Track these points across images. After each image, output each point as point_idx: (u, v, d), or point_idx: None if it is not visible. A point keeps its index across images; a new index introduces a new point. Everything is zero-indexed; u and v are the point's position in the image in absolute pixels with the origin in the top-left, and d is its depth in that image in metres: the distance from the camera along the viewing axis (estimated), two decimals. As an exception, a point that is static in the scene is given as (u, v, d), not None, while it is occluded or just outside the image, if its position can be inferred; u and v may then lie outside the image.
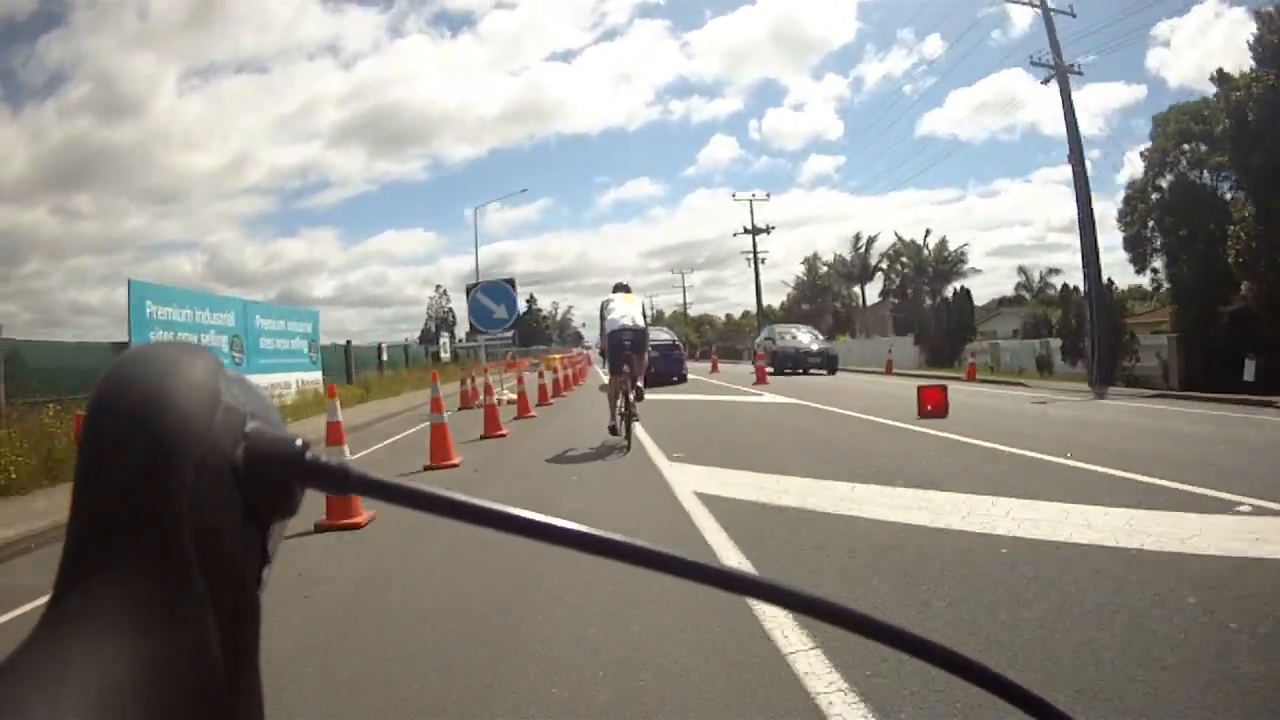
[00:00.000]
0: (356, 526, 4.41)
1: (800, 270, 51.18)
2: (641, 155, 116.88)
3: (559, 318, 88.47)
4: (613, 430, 7.17)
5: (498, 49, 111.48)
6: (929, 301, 38.94)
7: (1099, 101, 61.34)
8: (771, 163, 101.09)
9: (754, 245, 43.03)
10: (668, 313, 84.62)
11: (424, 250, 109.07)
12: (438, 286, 78.57)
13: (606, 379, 7.95)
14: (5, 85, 77.54)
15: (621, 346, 7.20)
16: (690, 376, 17.57)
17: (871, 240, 46.42)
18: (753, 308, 75.05)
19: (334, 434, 5.11)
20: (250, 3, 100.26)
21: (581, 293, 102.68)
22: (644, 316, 7.52)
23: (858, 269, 47.06)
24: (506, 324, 15.65)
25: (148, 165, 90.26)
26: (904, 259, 43.95)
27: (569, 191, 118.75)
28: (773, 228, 44.08)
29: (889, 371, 21.00)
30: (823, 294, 49.45)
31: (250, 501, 0.28)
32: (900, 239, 43.91)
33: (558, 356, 27.93)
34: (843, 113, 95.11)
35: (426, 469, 6.48)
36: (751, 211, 42.96)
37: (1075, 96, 16.35)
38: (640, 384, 7.27)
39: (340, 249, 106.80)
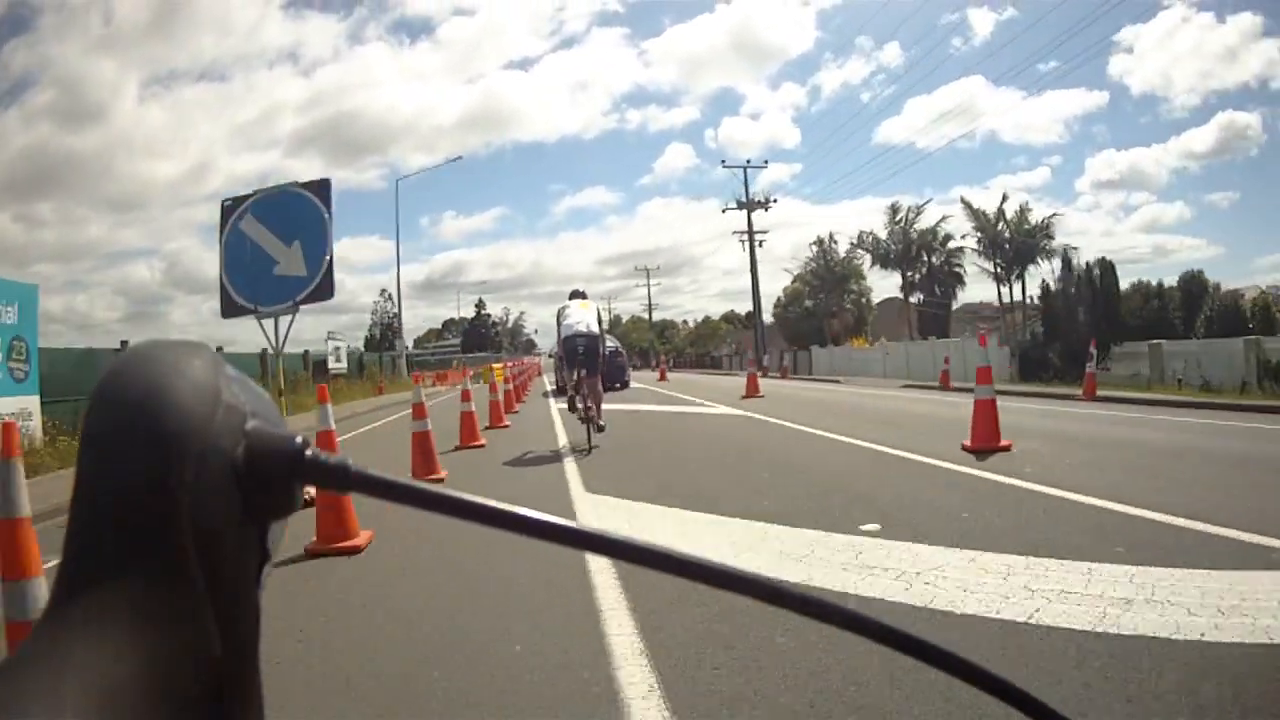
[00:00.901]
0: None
1: (809, 253, 41.60)
2: (598, 164, 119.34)
3: (510, 324, 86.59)
4: (571, 405, 7.82)
5: (455, 56, 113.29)
6: (1003, 288, 32.44)
7: (1063, 108, 61.89)
8: (728, 171, 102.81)
9: (749, 223, 35.86)
10: (625, 319, 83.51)
11: (380, 258, 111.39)
12: (382, 290, 76.71)
13: (552, 388, 9.13)
14: None
15: (575, 351, 7.46)
16: (647, 387, 17.93)
17: (917, 211, 36.39)
18: (716, 313, 74.60)
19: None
20: (212, 8, 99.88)
21: (536, 300, 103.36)
22: (599, 323, 7.70)
23: (897, 248, 36.27)
24: (305, 287, 6.14)
25: (109, 173, 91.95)
26: (964, 234, 34.00)
27: (524, 200, 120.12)
28: (774, 200, 37.74)
29: (946, 386, 15.31)
30: (839, 284, 39.86)
31: (250, 500, 0.28)
32: (968, 206, 33.24)
33: (498, 366, 26.43)
34: (800, 121, 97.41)
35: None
36: (746, 181, 36.39)
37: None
38: (601, 422, 7.70)
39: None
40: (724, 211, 36.30)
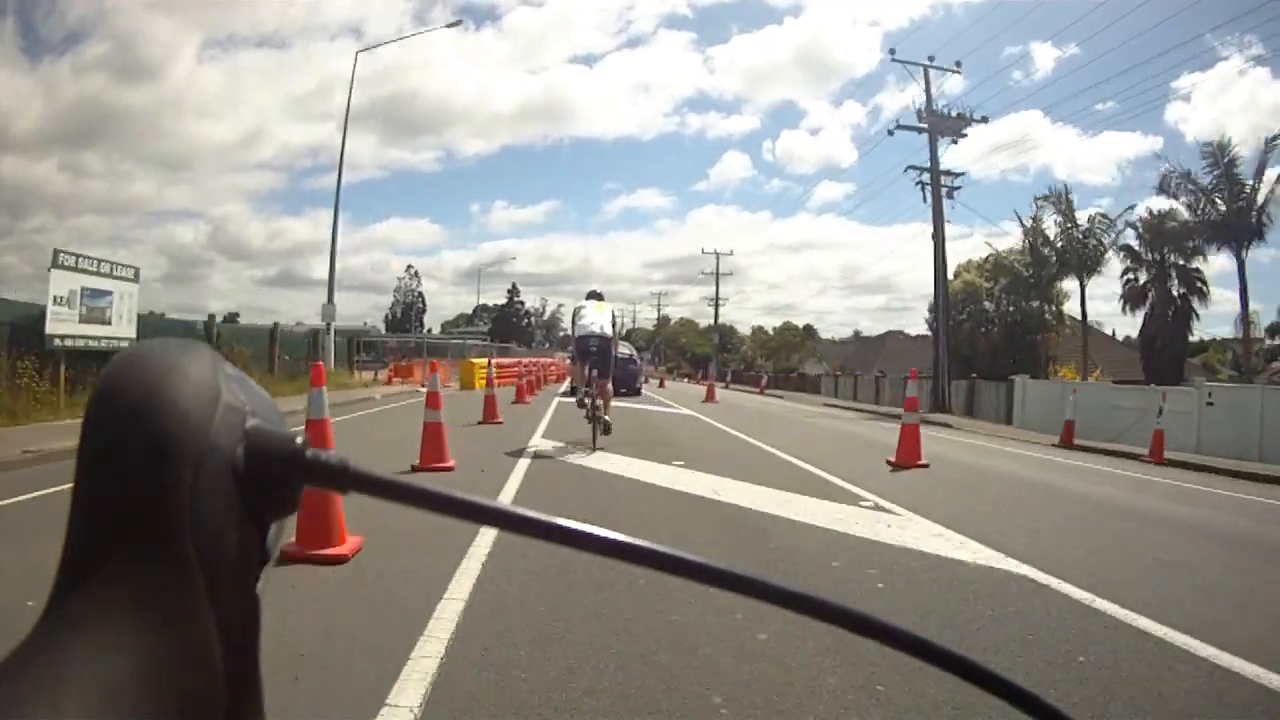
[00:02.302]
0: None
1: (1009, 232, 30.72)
2: (653, 165, 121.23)
3: (545, 316, 79.91)
4: (580, 403, 8.10)
5: (520, 46, 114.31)
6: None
7: (1117, 150, 59.43)
8: (783, 185, 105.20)
9: (932, 150, 21.72)
10: (673, 320, 75.46)
11: (427, 241, 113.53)
12: (408, 266, 71.80)
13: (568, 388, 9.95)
14: (25, 37, 79.33)
15: (587, 351, 7.83)
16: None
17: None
18: (773, 324, 65.73)
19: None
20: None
21: (580, 297, 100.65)
22: (613, 325, 8.05)
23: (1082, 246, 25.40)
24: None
25: (160, 131, 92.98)
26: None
27: (577, 195, 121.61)
28: (975, 119, 21.93)
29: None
30: (1050, 281, 27.21)
31: (250, 500, 0.29)
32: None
33: (481, 362, 22.85)
34: (858, 140, 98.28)
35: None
36: (927, 85, 21.66)
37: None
38: (608, 418, 7.88)
39: (344, 232, 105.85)
40: (891, 133, 22.20)
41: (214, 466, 0.28)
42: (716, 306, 55.69)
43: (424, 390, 19.72)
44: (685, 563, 0.30)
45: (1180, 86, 59.31)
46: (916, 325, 55.92)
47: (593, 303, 8.18)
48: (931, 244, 21.73)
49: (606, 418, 7.84)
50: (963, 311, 27.56)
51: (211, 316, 17.59)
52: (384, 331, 60.50)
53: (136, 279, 11.91)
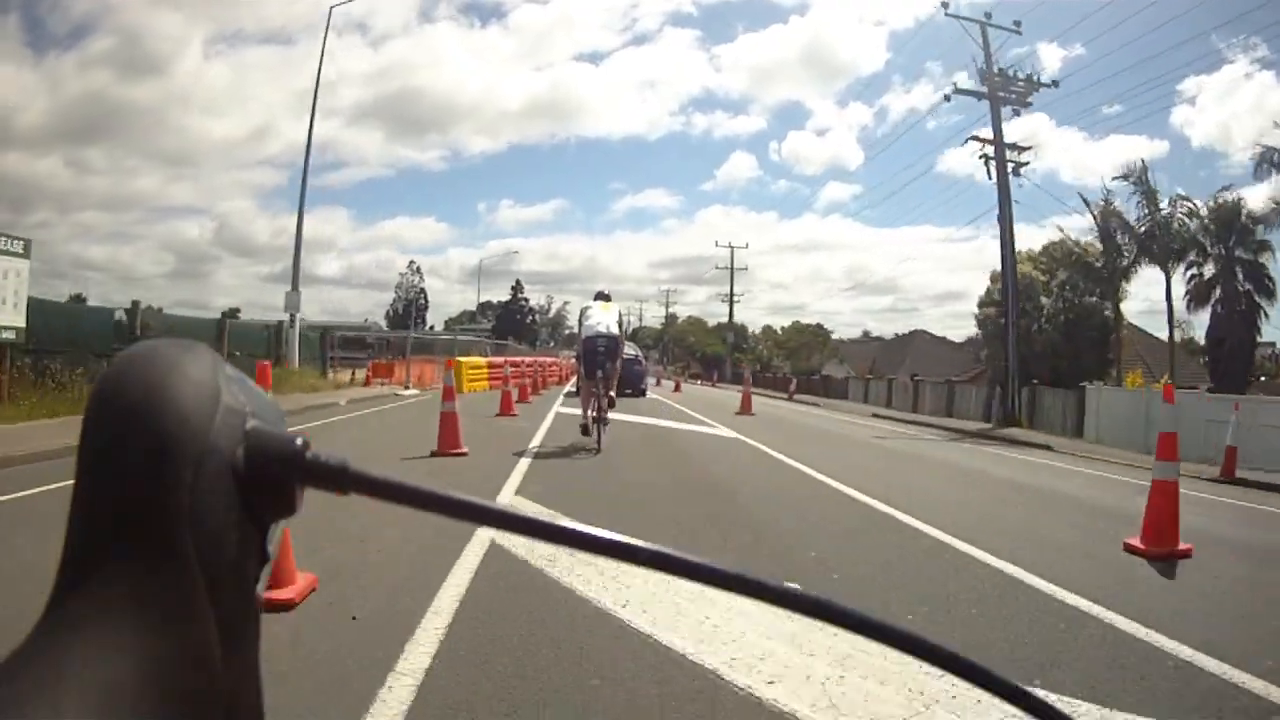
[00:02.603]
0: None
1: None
2: (660, 165, 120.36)
3: (551, 314, 77.24)
4: (584, 430, 8.04)
5: (526, 43, 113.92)
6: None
7: (1123, 153, 59.03)
8: (789, 185, 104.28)
9: (994, 115, 18.37)
10: (680, 319, 72.82)
11: (433, 240, 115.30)
12: (410, 262, 69.08)
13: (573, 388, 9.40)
14: (29, 31, 78.44)
15: (595, 352, 7.90)
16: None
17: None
18: (779, 324, 62.75)
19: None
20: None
21: (587, 296, 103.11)
22: (620, 326, 8.19)
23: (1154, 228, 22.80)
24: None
25: (165, 127, 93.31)
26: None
27: (583, 195, 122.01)
28: (1043, 84, 18.20)
29: None
30: (1127, 267, 23.67)
31: (250, 501, 0.29)
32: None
33: (477, 361, 20.63)
34: (864, 141, 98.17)
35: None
36: (986, 45, 18.23)
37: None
38: (612, 393, 8.17)
39: (350, 230, 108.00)
40: (947, 99, 18.84)
41: (214, 467, 0.28)
42: (731, 302, 53.14)
43: (405, 393, 17.05)
44: (686, 564, 0.30)
45: (1186, 89, 58.53)
46: (926, 325, 53.80)
47: (600, 303, 8.28)
48: (998, 240, 18.53)
49: (609, 416, 8.19)
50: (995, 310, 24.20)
51: (224, 315, 14.97)
52: (385, 329, 57.88)
53: (27, 254, 9.83)
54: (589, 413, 7.96)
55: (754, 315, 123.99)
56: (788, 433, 12.36)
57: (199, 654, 0.27)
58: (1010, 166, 18.17)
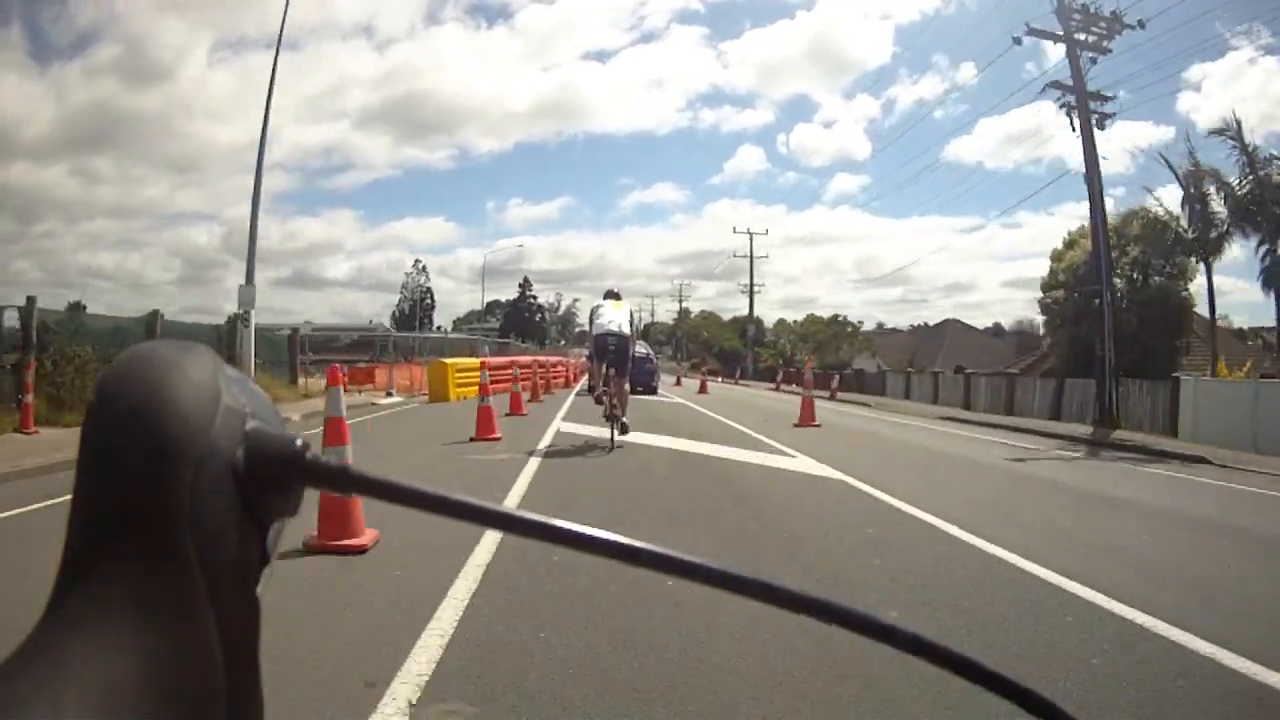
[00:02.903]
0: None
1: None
2: (668, 161, 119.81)
3: (560, 311, 74.93)
4: (599, 401, 8.35)
5: (532, 43, 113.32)
6: None
7: (1127, 139, 59.05)
8: (798, 178, 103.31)
9: (1074, 65, 15.20)
10: (694, 313, 70.45)
11: (442, 240, 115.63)
12: (416, 260, 67.06)
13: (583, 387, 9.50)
14: (33, 41, 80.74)
15: (606, 349, 8.07)
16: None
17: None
18: (792, 318, 59.95)
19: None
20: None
21: (597, 294, 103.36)
22: (630, 324, 8.30)
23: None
24: None
25: (171, 134, 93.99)
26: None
27: (591, 192, 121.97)
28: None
29: None
30: (1218, 239, 20.12)
31: (250, 501, 0.29)
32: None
33: (468, 362, 17.92)
34: (872, 133, 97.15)
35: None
36: None
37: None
38: (626, 421, 8.19)
39: (359, 232, 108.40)
40: (1018, 41, 15.46)
41: (214, 468, 0.28)
42: (751, 293, 50.14)
43: (385, 401, 14.55)
44: (686, 564, 0.30)
45: (1190, 76, 55.40)
46: (936, 317, 51.50)
47: (610, 301, 8.46)
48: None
49: (625, 420, 8.19)
50: (1077, 292, 20.52)
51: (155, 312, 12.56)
52: (390, 330, 55.49)
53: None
54: (605, 406, 8.11)
55: (766, 310, 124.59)
56: (888, 458, 9.08)
57: (199, 654, 0.27)
58: (1093, 119, 15.32)
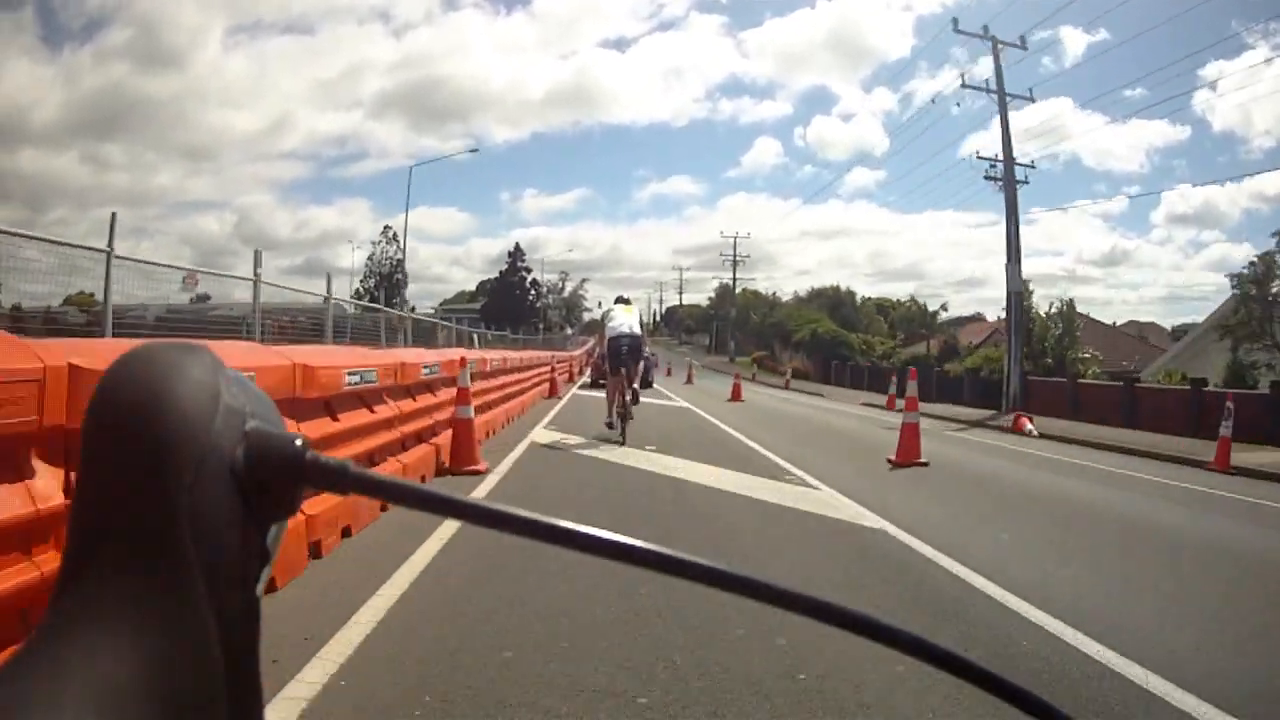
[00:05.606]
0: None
1: None
2: (685, 152, 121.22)
3: (566, 294, 62.95)
4: (609, 425, 9.26)
5: (550, 30, 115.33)
6: None
7: (1145, 138, 48.60)
8: (815, 171, 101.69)
9: None
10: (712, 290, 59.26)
11: (455, 230, 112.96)
12: (386, 227, 56.09)
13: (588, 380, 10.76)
14: (44, 25, 79.00)
15: (620, 351, 8.93)
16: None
17: None
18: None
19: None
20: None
21: (609, 285, 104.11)
22: (641, 326, 9.54)
23: None
24: None
25: (183, 120, 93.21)
26: None
27: (607, 183, 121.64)
28: None
29: None
30: None
31: (250, 501, 0.31)
32: None
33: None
34: (890, 127, 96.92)
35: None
36: None
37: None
38: (636, 386, 9.44)
39: (372, 221, 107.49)
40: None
41: (214, 467, 0.29)
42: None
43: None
44: (685, 564, 0.31)
45: (1207, 74, 51.01)
46: (949, 312, 41.72)
47: (621, 306, 9.39)
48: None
49: (633, 408, 9.15)
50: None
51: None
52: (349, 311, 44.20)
53: None
54: (614, 409, 9.03)
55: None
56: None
57: (199, 654, 0.28)
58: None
